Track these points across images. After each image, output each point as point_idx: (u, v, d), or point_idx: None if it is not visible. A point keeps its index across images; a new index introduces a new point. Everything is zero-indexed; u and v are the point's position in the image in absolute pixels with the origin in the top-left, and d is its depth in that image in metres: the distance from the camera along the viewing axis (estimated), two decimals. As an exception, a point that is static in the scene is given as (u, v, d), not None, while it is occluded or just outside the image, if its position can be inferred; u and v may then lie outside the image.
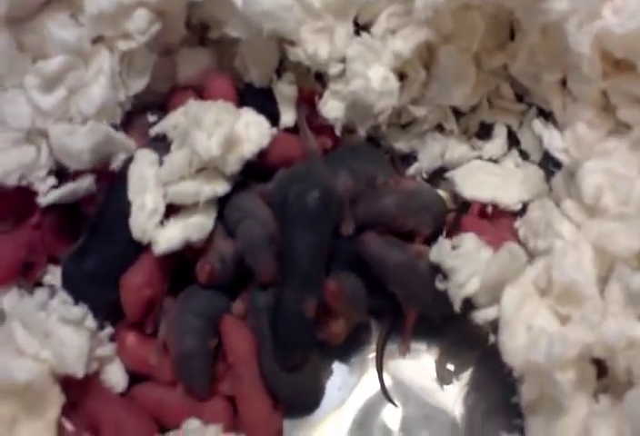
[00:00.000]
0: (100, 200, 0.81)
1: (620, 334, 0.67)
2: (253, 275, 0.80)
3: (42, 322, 0.76)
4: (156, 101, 0.88)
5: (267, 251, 0.78)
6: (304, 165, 0.83)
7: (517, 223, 0.83)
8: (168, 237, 0.77)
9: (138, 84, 0.83)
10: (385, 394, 0.82)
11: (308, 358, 0.80)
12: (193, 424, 0.77)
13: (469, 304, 0.75)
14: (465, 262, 0.74)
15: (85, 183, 0.80)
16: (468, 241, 0.76)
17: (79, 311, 0.76)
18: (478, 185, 0.85)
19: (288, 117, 0.86)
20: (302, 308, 0.76)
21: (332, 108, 0.86)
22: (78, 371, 0.74)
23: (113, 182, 0.81)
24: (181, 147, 0.78)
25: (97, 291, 0.79)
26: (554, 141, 0.83)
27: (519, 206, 0.84)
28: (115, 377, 0.80)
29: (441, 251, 0.76)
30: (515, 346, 0.70)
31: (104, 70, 0.79)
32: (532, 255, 0.77)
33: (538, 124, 0.86)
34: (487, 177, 0.86)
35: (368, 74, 0.83)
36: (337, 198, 0.80)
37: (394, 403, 0.82)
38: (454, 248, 0.76)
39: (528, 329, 0.70)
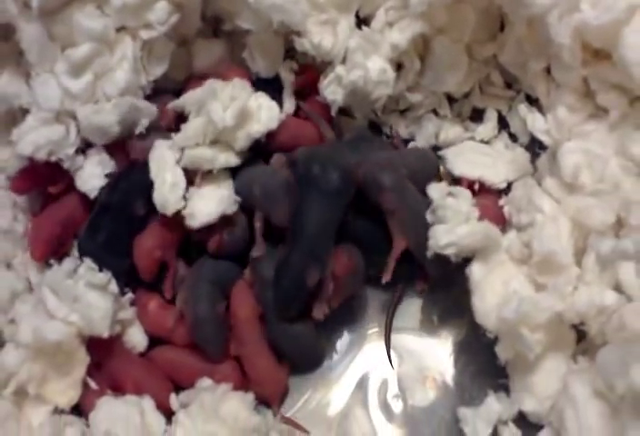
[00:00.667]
0: (111, 181, 0.87)
1: (590, 304, 0.73)
2: (258, 244, 0.86)
3: (70, 288, 0.82)
4: (174, 88, 0.93)
5: (284, 194, 0.84)
6: (326, 146, 0.89)
7: (502, 201, 0.88)
8: (206, 212, 0.83)
9: (158, 70, 0.89)
10: (388, 355, 0.89)
11: (307, 321, 0.85)
12: (205, 383, 0.83)
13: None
14: (452, 217, 0.79)
15: None
16: (465, 198, 0.82)
17: (104, 276, 0.82)
18: (468, 164, 0.91)
19: (289, 104, 0.93)
20: (305, 275, 0.81)
21: (332, 91, 0.90)
22: (104, 331, 0.81)
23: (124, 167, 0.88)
24: (197, 117, 0.84)
25: (112, 260, 0.85)
26: (537, 123, 0.89)
27: (504, 185, 0.90)
28: (136, 338, 0.87)
29: (438, 191, 0.82)
30: (487, 308, 0.76)
31: (127, 56, 0.85)
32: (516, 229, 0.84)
33: (523, 109, 0.91)
34: (477, 157, 0.92)
35: (367, 65, 0.88)
36: (355, 180, 0.85)
37: (392, 365, 0.89)
38: (449, 194, 0.82)
39: (501, 292, 0.77)
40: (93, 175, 0.87)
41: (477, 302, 0.78)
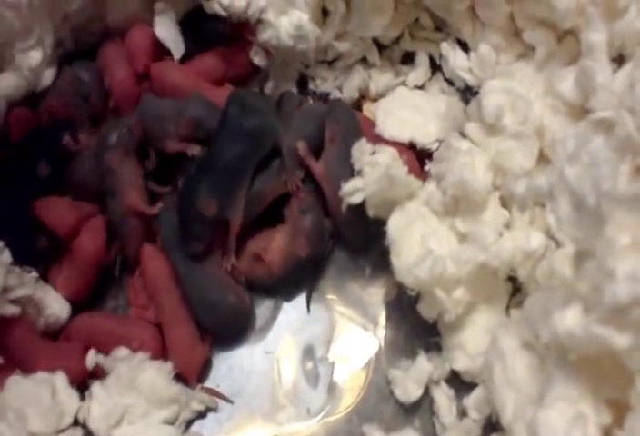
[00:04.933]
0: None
1: (515, 249, 0.72)
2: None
3: None
4: (92, 41, 0.96)
5: None
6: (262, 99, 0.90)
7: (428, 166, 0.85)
8: None
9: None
10: (308, 304, 0.88)
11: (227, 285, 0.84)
12: (121, 352, 0.81)
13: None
14: (369, 172, 0.77)
15: None
16: (386, 153, 0.78)
17: None
18: (398, 124, 0.88)
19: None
20: (200, 204, 0.81)
21: (261, 58, 0.92)
22: None
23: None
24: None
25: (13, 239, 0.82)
26: (458, 61, 0.87)
27: (435, 145, 0.87)
28: (57, 307, 0.84)
29: (359, 149, 0.80)
30: (405, 265, 0.74)
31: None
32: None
33: (446, 47, 0.89)
34: (408, 113, 0.89)
35: (279, 23, 0.87)
36: (275, 137, 0.85)
37: (309, 309, 0.88)
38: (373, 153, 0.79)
39: (419, 248, 0.75)
40: None
41: (395, 259, 0.75)
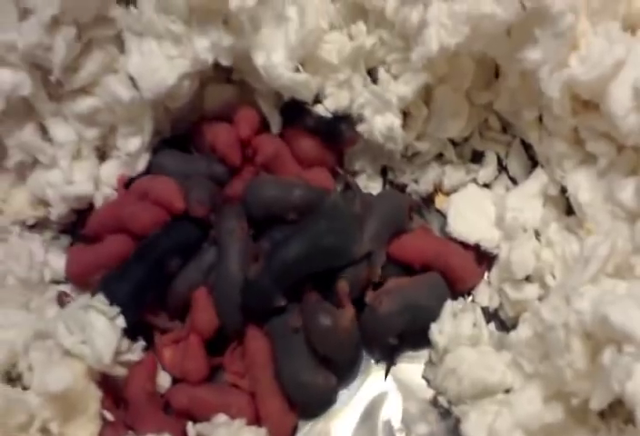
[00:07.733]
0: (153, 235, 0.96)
1: None
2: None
3: (80, 316, 0.89)
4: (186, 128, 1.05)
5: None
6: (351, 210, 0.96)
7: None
8: None
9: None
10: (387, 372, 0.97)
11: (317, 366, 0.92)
12: (221, 418, 0.90)
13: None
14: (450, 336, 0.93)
15: None
16: (468, 321, 0.92)
17: (114, 309, 0.90)
18: (466, 225, 0.99)
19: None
20: (272, 298, 0.91)
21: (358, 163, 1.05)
22: (106, 359, 0.87)
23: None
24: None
25: (130, 310, 0.92)
26: None
27: (497, 251, 0.97)
28: (159, 377, 0.95)
29: (449, 309, 0.94)
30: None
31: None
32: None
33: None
34: (476, 216, 1.00)
35: (374, 121, 0.97)
36: (350, 256, 0.93)
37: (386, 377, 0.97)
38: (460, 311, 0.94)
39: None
40: None
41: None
